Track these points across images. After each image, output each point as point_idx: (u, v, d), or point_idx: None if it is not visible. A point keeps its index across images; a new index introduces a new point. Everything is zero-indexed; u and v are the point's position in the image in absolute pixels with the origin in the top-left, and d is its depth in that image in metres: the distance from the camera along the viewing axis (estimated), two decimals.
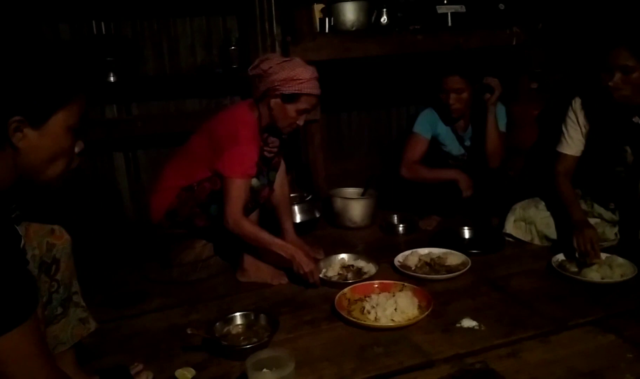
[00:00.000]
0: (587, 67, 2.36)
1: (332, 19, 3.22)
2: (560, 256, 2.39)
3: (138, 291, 2.35)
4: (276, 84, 2.18)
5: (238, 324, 1.93)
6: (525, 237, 2.65)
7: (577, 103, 2.48)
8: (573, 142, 2.49)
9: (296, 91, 2.19)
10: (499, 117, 2.83)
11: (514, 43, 3.37)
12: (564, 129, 2.51)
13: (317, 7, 3.29)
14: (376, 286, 2.17)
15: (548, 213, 2.60)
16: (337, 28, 3.20)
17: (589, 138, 2.46)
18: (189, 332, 1.81)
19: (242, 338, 1.86)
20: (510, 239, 2.67)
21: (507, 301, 2.12)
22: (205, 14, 3.45)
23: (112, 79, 3.09)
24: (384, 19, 3.21)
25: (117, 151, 3.40)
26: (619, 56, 2.15)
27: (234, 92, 3.41)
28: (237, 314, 1.96)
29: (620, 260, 2.30)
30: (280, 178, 2.54)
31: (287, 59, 2.28)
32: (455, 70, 2.70)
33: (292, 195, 2.82)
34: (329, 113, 3.74)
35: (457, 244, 2.61)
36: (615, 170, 2.44)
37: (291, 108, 2.23)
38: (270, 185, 2.45)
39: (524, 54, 3.45)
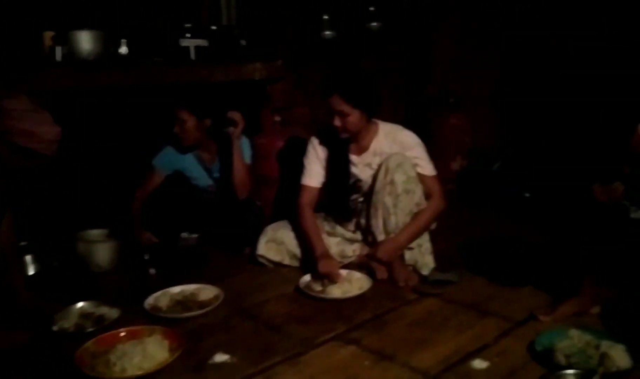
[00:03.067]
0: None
1: (67, 47, 2.96)
2: (307, 277, 2.51)
3: None
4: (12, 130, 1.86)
5: None
6: (276, 258, 2.73)
7: (315, 139, 2.68)
8: (314, 174, 2.66)
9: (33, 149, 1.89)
10: (243, 150, 2.91)
11: (257, 78, 3.52)
12: (305, 162, 2.68)
13: (47, 35, 3.01)
14: (123, 334, 2.00)
15: (296, 233, 2.72)
16: (73, 57, 2.95)
17: (329, 169, 2.66)
18: None
19: None
20: (263, 261, 2.73)
21: (259, 328, 2.14)
22: None
23: None
24: (123, 49, 3.07)
25: None
26: (335, 102, 2.41)
27: None
28: None
29: (358, 274, 2.51)
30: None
31: (37, 109, 1.94)
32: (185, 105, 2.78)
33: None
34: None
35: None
36: (351, 198, 2.68)
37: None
38: None
39: (266, 88, 3.63)
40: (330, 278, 2.42)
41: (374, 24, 4.01)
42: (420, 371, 1.79)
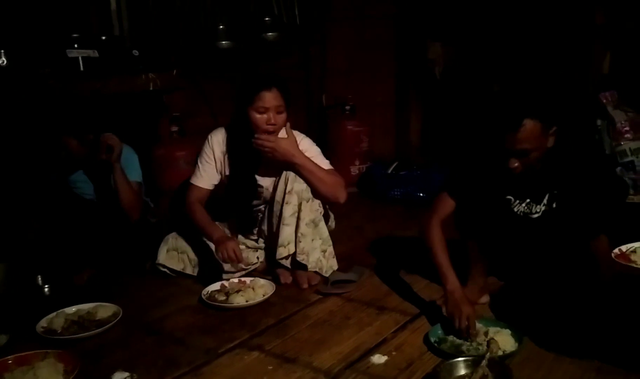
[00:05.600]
0: (237, 105, 2.55)
1: None
2: (211, 287, 2.49)
3: None
4: None
5: None
6: (178, 266, 2.69)
7: (213, 139, 2.64)
8: (207, 176, 2.64)
9: None
10: (131, 169, 2.81)
11: (151, 88, 3.44)
12: (199, 161, 2.65)
13: None
14: (10, 361, 1.88)
15: (197, 241, 2.69)
16: None
17: (229, 173, 2.64)
18: None
19: None
20: (164, 270, 2.68)
21: (162, 342, 2.09)
22: None
23: None
24: (2, 60, 2.90)
25: None
26: (275, 96, 2.45)
27: None
28: None
29: (262, 281, 2.53)
30: None
31: None
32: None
33: None
34: None
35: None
36: (253, 205, 2.69)
37: None
38: None
39: (162, 99, 3.56)
40: (233, 260, 2.45)
41: (270, 34, 4.06)
42: (322, 371, 1.84)
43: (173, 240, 2.71)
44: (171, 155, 3.24)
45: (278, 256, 2.55)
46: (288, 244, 2.53)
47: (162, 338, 2.13)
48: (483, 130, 2.14)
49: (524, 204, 2.15)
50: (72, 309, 2.30)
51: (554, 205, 2.10)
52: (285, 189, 2.50)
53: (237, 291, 2.40)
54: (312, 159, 2.55)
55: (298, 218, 2.51)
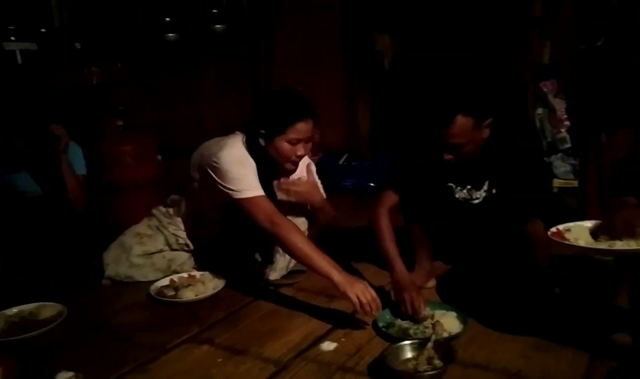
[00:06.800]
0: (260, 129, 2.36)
1: None
2: (160, 283, 2.45)
3: None
4: None
5: None
6: (127, 274, 2.61)
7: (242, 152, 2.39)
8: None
9: None
10: (76, 162, 2.75)
11: (95, 82, 3.36)
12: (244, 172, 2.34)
13: None
14: None
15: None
16: None
17: None
18: None
19: None
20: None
21: (108, 341, 2.06)
22: None
23: None
24: None
25: None
26: (308, 130, 2.23)
27: None
28: None
29: (211, 275, 2.50)
30: None
31: None
32: None
33: None
34: None
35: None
36: None
37: None
38: None
39: (105, 93, 3.48)
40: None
41: (218, 26, 4.02)
42: (272, 361, 1.84)
43: (117, 249, 2.59)
44: (115, 150, 3.15)
45: (272, 277, 2.49)
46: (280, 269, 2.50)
47: (108, 337, 2.09)
48: (422, 122, 2.18)
49: (464, 191, 2.20)
50: (13, 310, 2.23)
51: (494, 191, 2.16)
52: None
53: (187, 286, 2.38)
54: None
55: None
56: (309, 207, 2.43)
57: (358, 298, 1.93)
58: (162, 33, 3.75)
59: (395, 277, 2.11)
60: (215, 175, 2.21)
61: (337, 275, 1.98)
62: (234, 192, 2.16)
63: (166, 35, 3.77)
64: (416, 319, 2.01)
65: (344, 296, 1.96)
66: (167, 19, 3.80)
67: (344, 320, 2.09)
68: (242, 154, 2.23)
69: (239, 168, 2.18)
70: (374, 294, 1.96)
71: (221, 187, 2.19)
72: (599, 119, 2.75)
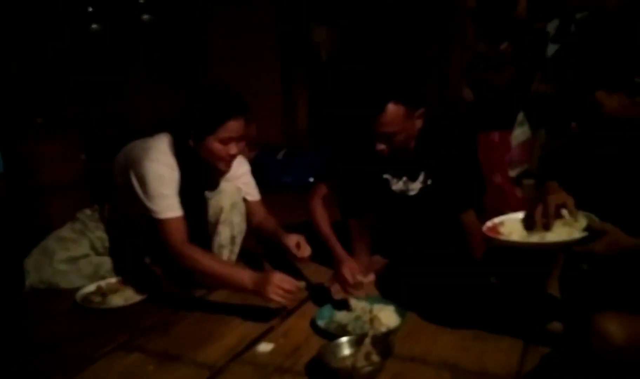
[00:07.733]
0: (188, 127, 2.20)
1: None
2: (86, 289, 2.31)
3: None
4: None
5: None
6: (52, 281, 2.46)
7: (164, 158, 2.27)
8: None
9: None
10: None
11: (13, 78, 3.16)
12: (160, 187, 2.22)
13: None
14: None
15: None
16: None
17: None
18: None
19: None
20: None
21: (32, 353, 1.92)
22: None
23: None
24: None
25: None
26: (240, 127, 2.12)
27: None
28: None
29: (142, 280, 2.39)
30: None
31: None
32: None
33: None
34: None
35: None
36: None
37: None
38: None
39: (28, 90, 3.29)
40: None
41: (146, 16, 3.86)
42: (206, 366, 1.77)
43: (38, 256, 2.42)
44: (36, 149, 2.97)
45: None
46: None
47: (30, 349, 1.96)
48: (355, 112, 2.16)
49: (400, 183, 2.19)
50: None
51: (429, 182, 2.16)
52: (220, 217, 2.30)
53: (115, 292, 2.27)
54: (246, 186, 2.39)
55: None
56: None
57: (278, 295, 1.90)
58: (85, 24, 3.56)
59: (337, 257, 2.12)
60: (137, 186, 2.11)
61: (250, 283, 1.94)
62: (152, 212, 2.08)
63: (90, 27, 3.58)
64: (350, 307, 1.98)
65: (266, 301, 1.93)
66: (90, 9, 3.61)
67: (282, 319, 2.04)
68: (165, 167, 2.11)
69: (159, 186, 2.08)
70: (289, 283, 1.92)
71: (141, 201, 2.10)
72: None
